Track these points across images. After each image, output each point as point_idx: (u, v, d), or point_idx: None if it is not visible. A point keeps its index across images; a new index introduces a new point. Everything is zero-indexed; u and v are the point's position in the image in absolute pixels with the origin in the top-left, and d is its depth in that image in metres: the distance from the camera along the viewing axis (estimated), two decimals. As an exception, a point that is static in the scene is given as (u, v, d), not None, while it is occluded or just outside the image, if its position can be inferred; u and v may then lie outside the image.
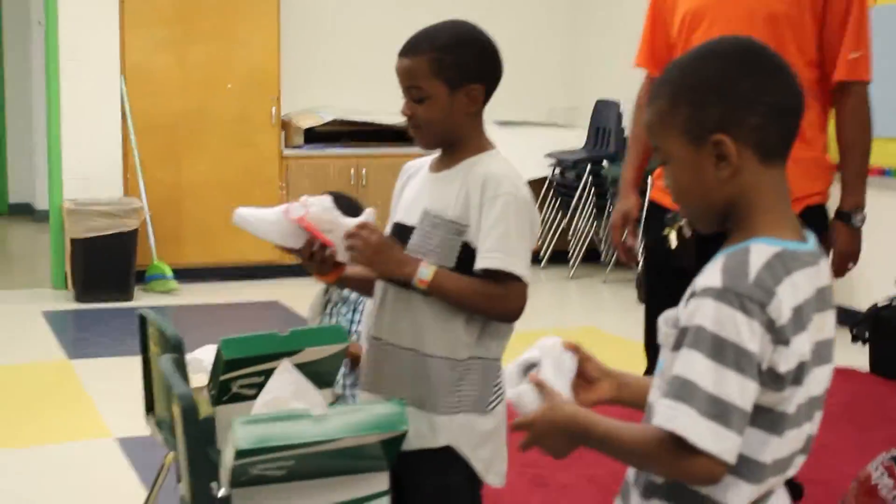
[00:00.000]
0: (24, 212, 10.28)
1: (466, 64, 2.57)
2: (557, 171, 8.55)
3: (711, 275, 1.76)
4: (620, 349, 4.82)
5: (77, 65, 7.16)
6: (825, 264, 1.89)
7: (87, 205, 7.03)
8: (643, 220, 3.86)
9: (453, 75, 2.55)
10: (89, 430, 4.96)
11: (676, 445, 1.68)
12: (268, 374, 2.97)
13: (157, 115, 7.50)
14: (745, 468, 1.78)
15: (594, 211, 8.24)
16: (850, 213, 3.40)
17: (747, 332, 1.68)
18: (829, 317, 1.86)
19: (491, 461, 2.66)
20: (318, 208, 2.62)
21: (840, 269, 3.48)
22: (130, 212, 7.07)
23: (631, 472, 1.92)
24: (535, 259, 8.47)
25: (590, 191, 8.26)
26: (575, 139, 8.76)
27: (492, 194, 2.51)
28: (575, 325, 6.81)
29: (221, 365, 2.94)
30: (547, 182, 8.57)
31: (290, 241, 2.64)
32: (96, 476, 4.50)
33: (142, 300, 7.12)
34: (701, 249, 3.21)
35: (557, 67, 9.35)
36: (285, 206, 2.65)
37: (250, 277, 7.90)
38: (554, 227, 8.63)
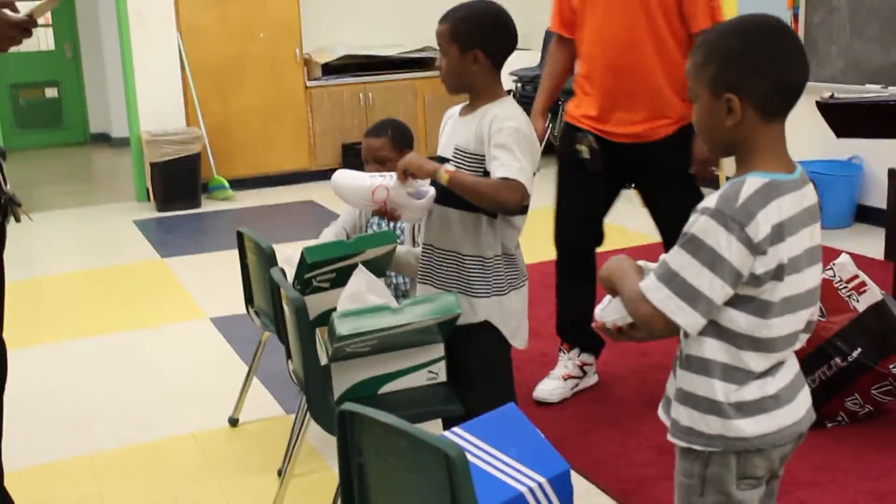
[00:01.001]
0: (103, 140, 10.25)
1: (475, 33, 2.60)
2: (519, 85, 8.54)
3: (712, 197, 1.76)
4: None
5: (143, 25, 7.23)
6: (810, 188, 1.84)
7: (160, 135, 7.20)
8: (559, 136, 3.91)
9: (464, 41, 2.59)
10: (188, 313, 4.99)
11: (662, 317, 1.74)
12: (338, 271, 2.99)
13: (207, 61, 7.60)
14: (754, 344, 1.78)
15: (549, 115, 8.28)
16: None
17: (725, 244, 1.69)
18: (816, 228, 1.84)
19: (516, 329, 2.76)
20: (394, 193, 2.66)
21: (701, 171, 3.53)
22: (193, 139, 7.24)
23: (670, 386, 1.91)
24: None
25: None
26: (531, 59, 8.63)
27: (497, 127, 2.57)
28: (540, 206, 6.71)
29: (305, 266, 2.93)
30: (512, 94, 8.43)
31: (367, 208, 2.83)
32: (199, 349, 4.51)
33: (208, 207, 7.40)
34: (607, 157, 3.57)
35: (513, 2, 9.38)
36: (370, 183, 2.70)
37: (289, 183, 8.02)
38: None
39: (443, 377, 2.71)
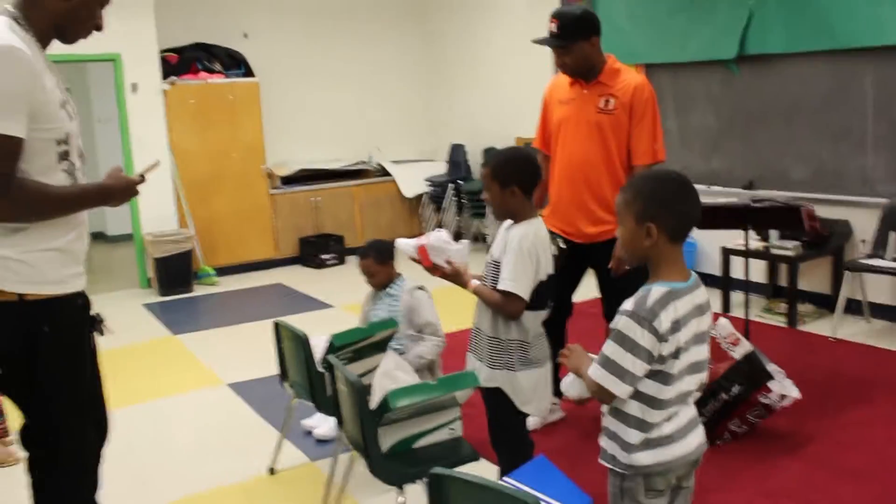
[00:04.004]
0: (100, 237, 9.74)
1: (510, 174, 2.56)
2: (431, 188, 8.56)
3: (630, 301, 1.85)
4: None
5: (142, 147, 6.99)
6: (701, 290, 1.92)
7: (160, 236, 7.01)
8: None
9: (503, 179, 2.56)
10: (206, 381, 4.76)
11: (601, 388, 1.87)
12: (356, 350, 3.06)
13: (193, 175, 7.43)
14: (655, 402, 1.88)
15: (456, 210, 8.24)
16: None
17: (640, 335, 1.81)
18: (706, 319, 1.92)
19: (528, 400, 2.63)
20: (434, 239, 2.62)
21: (617, 268, 3.40)
22: (187, 238, 7.07)
23: (604, 408, 1.97)
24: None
25: (451, 199, 8.26)
26: (439, 168, 8.73)
27: (511, 246, 2.54)
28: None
29: (333, 349, 2.99)
30: (426, 195, 8.61)
31: (418, 258, 2.65)
32: (220, 412, 4.27)
33: (199, 291, 7.11)
34: (570, 255, 3.57)
35: (426, 124, 9.24)
36: (416, 241, 2.65)
37: (259, 269, 7.86)
38: (430, 220, 8.59)
39: (459, 432, 2.71)
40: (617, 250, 3.38)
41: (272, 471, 3.53)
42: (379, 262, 3.66)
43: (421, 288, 3.63)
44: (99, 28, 2.20)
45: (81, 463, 2.29)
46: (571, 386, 2.03)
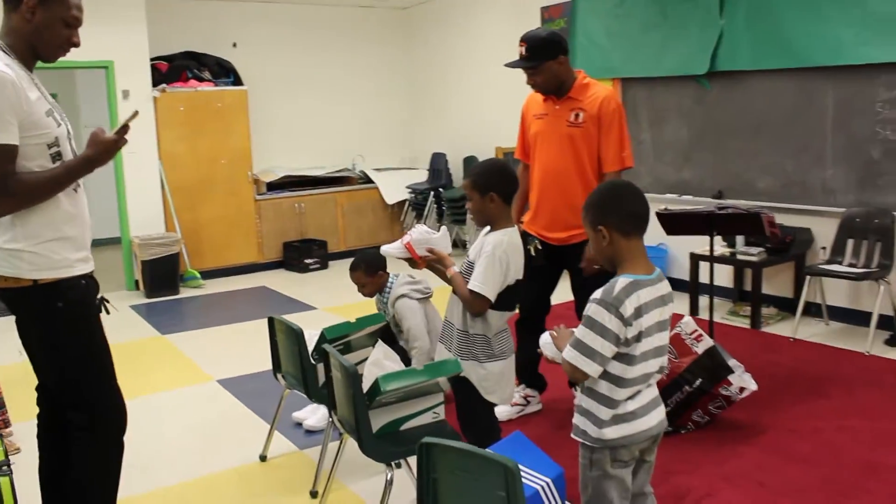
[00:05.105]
0: None
1: (488, 182, 2.71)
2: (413, 195, 8.75)
3: (599, 291, 2.05)
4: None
5: (132, 154, 7.08)
6: (664, 283, 2.11)
7: (148, 239, 7.13)
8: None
9: (482, 188, 2.71)
10: (196, 377, 4.89)
11: (574, 367, 2.05)
12: (345, 343, 3.25)
13: (181, 181, 7.56)
14: (621, 381, 2.07)
15: (436, 217, 8.39)
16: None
17: (607, 319, 2.00)
18: (666, 309, 2.11)
19: (493, 389, 2.78)
20: (417, 234, 2.79)
21: (588, 269, 3.55)
22: (174, 242, 7.20)
23: (576, 400, 2.16)
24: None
25: (432, 207, 8.41)
26: (420, 176, 8.92)
27: (485, 250, 2.69)
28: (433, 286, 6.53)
29: (325, 341, 3.16)
30: (407, 202, 8.78)
31: (405, 256, 2.83)
32: (211, 406, 4.40)
33: (185, 293, 7.28)
34: (547, 254, 3.74)
35: (408, 133, 9.46)
36: (401, 239, 2.82)
37: (244, 272, 8.01)
38: (411, 227, 8.66)
39: (442, 416, 2.91)
40: (587, 253, 3.59)
41: (263, 458, 3.70)
42: (368, 273, 3.93)
43: (404, 295, 3.83)
44: (75, 45, 2.48)
45: (114, 427, 2.59)
46: (546, 346, 2.24)
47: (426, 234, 2.82)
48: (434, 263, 2.82)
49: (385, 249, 2.91)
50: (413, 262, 2.86)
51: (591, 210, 2.13)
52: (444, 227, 2.85)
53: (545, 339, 2.26)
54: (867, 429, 3.77)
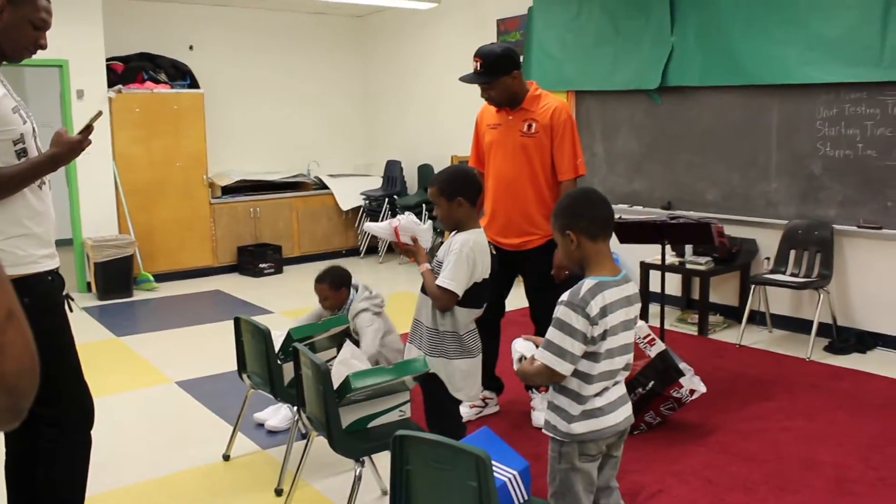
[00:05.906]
0: None
1: (454, 187, 2.81)
2: (367, 202, 8.80)
3: (566, 293, 2.11)
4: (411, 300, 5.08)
5: (86, 155, 7.01)
6: (630, 285, 2.19)
7: (101, 241, 7.07)
8: None
9: (449, 193, 2.81)
10: (155, 379, 4.88)
11: (548, 368, 2.10)
12: (312, 344, 3.28)
13: (136, 183, 7.53)
14: (589, 378, 2.15)
15: None
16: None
17: (575, 319, 2.07)
18: (632, 310, 2.17)
19: (460, 387, 2.88)
20: (405, 221, 2.88)
21: (558, 274, 3.65)
22: (128, 244, 7.16)
23: (549, 393, 2.22)
24: (356, 252, 9.04)
25: (387, 213, 8.42)
26: (375, 183, 9.02)
27: (453, 248, 2.79)
28: (388, 292, 6.54)
29: (291, 340, 3.22)
30: (362, 208, 8.82)
31: (390, 238, 2.92)
32: (171, 407, 4.42)
33: (138, 296, 7.22)
34: (502, 259, 3.65)
35: (363, 140, 9.52)
36: (389, 221, 2.91)
37: (198, 276, 7.99)
38: (367, 234, 8.68)
39: (408, 414, 2.97)
40: (556, 259, 3.69)
41: (227, 457, 3.74)
42: (333, 287, 3.96)
43: (366, 310, 3.89)
44: (42, 47, 2.52)
45: (83, 421, 2.64)
46: (520, 347, 2.29)
47: (413, 224, 2.91)
48: (410, 251, 2.92)
49: (370, 227, 2.99)
50: (392, 244, 2.97)
51: (561, 216, 2.21)
52: (429, 221, 2.95)
53: (519, 344, 2.31)
54: (807, 428, 3.97)
